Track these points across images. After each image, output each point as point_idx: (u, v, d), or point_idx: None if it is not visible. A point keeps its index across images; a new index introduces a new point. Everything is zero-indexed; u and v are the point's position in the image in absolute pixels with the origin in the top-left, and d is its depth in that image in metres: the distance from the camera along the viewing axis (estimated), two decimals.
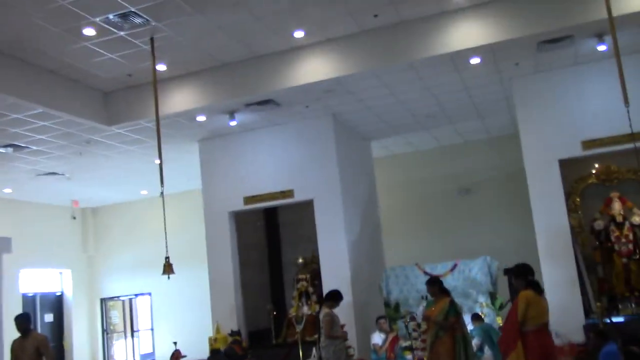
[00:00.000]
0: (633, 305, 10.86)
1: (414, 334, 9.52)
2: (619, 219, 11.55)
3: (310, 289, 12.84)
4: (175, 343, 12.53)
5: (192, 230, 15.04)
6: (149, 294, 18.61)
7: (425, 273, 11.42)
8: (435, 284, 7.99)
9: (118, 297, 19.07)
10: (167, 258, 9.08)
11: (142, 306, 19.64)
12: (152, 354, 18.81)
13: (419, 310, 10.84)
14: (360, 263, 12.43)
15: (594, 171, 11.82)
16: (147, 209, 18.25)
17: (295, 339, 12.09)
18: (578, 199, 11.87)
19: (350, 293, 11.51)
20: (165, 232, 9.31)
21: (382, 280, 11.71)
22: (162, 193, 9.32)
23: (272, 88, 10.63)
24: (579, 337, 10.08)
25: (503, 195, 14.85)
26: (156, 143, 12.61)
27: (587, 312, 10.64)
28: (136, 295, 18.94)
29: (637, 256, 11.35)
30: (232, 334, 11.83)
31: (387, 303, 11.55)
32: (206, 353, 12.98)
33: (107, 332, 18.86)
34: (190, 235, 15.27)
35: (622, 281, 11.32)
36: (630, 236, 11.42)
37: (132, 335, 19.31)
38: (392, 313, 11.19)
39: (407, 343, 10.47)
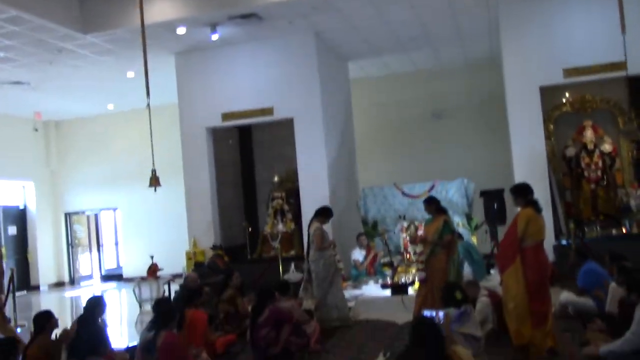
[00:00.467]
0: (598, 229, 11.37)
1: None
2: (590, 146, 11.93)
3: (286, 207, 13.02)
4: (152, 257, 12.55)
5: (165, 145, 14.75)
6: (115, 208, 18.43)
7: (404, 193, 11.64)
8: (432, 203, 8.13)
9: (83, 211, 18.83)
10: (153, 170, 8.92)
11: (108, 221, 19.51)
12: (119, 268, 18.84)
13: (397, 229, 11.15)
14: (338, 182, 12.55)
15: (564, 100, 12.08)
16: (114, 123, 17.91)
17: (272, 255, 12.37)
18: (552, 127, 12.17)
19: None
20: (152, 144, 9.10)
21: (361, 199, 11.88)
22: (148, 105, 9.06)
23: (258, 1, 10.36)
24: (549, 256, 10.48)
25: (478, 120, 15.05)
26: (130, 54, 12.41)
27: (557, 233, 11.09)
28: (102, 209, 18.75)
29: (605, 182, 11.84)
30: (214, 247, 11.92)
31: (365, 221, 11.76)
32: (181, 266, 13.11)
33: (72, 246, 18.70)
34: (163, 150, 14.96)
35: (589, 206, 11.83)
36: (600, 163, 11.85)
37: (98, 250, 19.24)
38: (370, 231, 11.43)
39: (387, 259, 10.80)
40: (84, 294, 16.11)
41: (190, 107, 12.79)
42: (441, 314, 4.96)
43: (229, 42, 12.23)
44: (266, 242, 12.91)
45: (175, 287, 12.69)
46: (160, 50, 12.53)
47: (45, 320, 6.09)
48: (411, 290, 9.15)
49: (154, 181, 9.75)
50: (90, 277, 18.85)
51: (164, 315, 5.93)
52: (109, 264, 19.48)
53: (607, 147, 11.91)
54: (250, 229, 13.22)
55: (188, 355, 5.94)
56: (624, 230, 11.04)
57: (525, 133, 11.08)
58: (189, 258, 12.21)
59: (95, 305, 6.25)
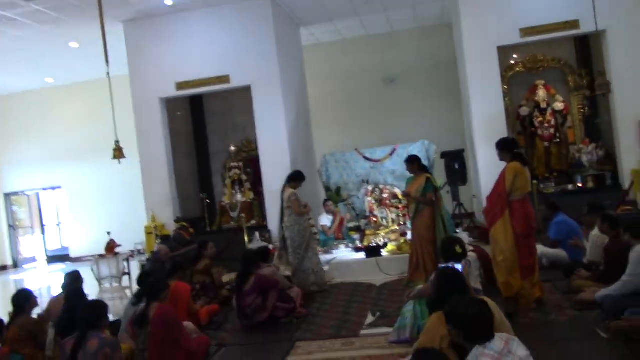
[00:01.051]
0: (553, 184, 11.70)
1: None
2: (543, 105, 12.20)
3: (244, 177, 12.85)
4: (109, 233, 12.15)
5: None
6: (58, 187, 17.71)
7: (365, 158, 11.63)
8: (414, 162, 8.13)
9: (23, 191, 18.01)
10: (117, 142, 8.56)
11: (51, 200, 18.76)
12: (64, 249, 18.20)
13: (361, 193, 11.15)
14: (297, 150, 12.39)
15: (512, 62, 12.27)
16: (54, 98, 17.11)
17: (232, 226, 12.18)
18: (506, 87, 12.36)
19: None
20: (114, 115, 8.75)
21: (322, 166, 11.80)
22: (108, 73, 8.66)
23: None
24: None
25: (432, 83, 15.12)
26: (76, 22, 11.79)
27: None
28: (43, 189, 17.98)
29: (558, 140, 12.16)
30: (178, 220, 11.61)
31: (328, 187, 11.71)
32: (140, 242, 12.78)
33: (12, 228, 17.89)
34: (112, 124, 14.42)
35: (543, 163, 12.13)
36: (552, 121, 12.15)
37: (42, 231, 18.49)
38: (333, 197, 11.38)
39: (354, 224, 10.80)
40: (28, 277, 15.53)
41: (143, 77, 12.30)
42: (458, 265, 4.96)
43: (182, 8, 11.80)
44: (225, 213, 12.68)
45: (135, 263, 12.44)
46: (107, 18, 11.92)
47: (24, 299, 5.77)
48: (385, 252, 9.18)
49: (118, 153, 9.43)
50: (33, 259, 18.13)
51: (155, 287, 5.71)
52: (53, 245, 18.80)
53: (559, 105, 12.20)
54: (208, 201, 12.97)
55: (182, 327, 5.75)
56: (579, 185, 11.39)
57: (485, 93, 11.18)
58: (148, 232, 11.85)
59: (78, 279, 5.96)
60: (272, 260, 7.91)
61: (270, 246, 8.92)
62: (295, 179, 8.50)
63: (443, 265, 4.89)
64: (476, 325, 3.13)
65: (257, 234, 11.34)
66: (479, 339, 3.13)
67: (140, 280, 6.29)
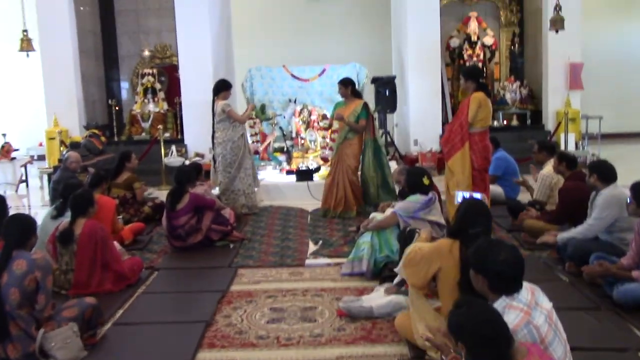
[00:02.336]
0: None
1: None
2: (474, 38, 12.03)
3: (158, 85, 12.01)
4: (4, 135, 10.86)
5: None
6: None
7: (293, 76, 10.99)
8: (348, 85, 7.55)
9: None
10: (25, 32, 7.38)
11: None
12: None
13: (288, 113, 10.54)
14: (219, 62, 11.51)
15: None
16: None
17: (143, 137, 11.40)
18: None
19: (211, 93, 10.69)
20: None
21: (246, 80, 11.00)
22: None
23: None
24: (435, 144, 10.62)
25: (361, 5, 14.47)
26: None
27: (444, 122, 11.20)
28: None
29: (484, 74, 12.06)
30: (89, 126, 10.52)
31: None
32: (41, 147, 11.63)
33: None
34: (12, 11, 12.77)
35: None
36: (481, 55, 12.03)
37: None
38: (258, 114, 10.66)
39: (279, 144, 10.26)
40: None
41: None
42: (477, 194, 4.59)
43: None
44: (135, 123, 11.80)
45: (34, 170, 11.32)
46: None
47: None
48: (317, 177, 8.75)
49: (26, 44, 8.24)
50: None
51: (81, 200, 4.96)
52: None
53: (489, 39, 12.08)
54: (116, 108, 11.94)
55: (113, 247, 5.07)
56: (504, 123, 11.41)
57: (421, 20, 10.75)
58: (50, 137, 10.69)
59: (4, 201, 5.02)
60: (203, 177, 7.25)
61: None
62: (224, 87, 7.78)
63: (466, 195, 4.51)
64: (508, 274, 2.73)
65: (173, 147, 10.60)
66: (507, 289, 2.75)
67: (62, 191, 5.46)
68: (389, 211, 5.61)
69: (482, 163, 5.98)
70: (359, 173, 7.63)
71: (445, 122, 11.21)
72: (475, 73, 6.06)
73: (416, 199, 5.03)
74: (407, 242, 4.29)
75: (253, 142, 9.55)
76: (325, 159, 7.55)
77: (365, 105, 7.46)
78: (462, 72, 6.21)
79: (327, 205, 7.56)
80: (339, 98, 10.86)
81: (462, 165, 5.93)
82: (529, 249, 5.71)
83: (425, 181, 5.00)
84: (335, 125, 7.57)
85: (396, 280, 4.35)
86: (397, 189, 7.57)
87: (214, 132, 7.78)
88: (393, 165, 9.08)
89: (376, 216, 5.62)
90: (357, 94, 7.68)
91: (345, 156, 7.46)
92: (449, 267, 3.39)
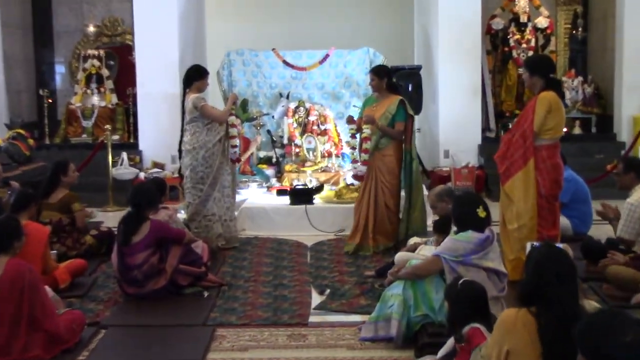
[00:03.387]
0: None
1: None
2: (523, 19, 11.90)
3: (105, 72, 11.98)
4: None
5: None
6: None
7: (286, 63, 10.80)
8: (384, 75, 7.31)
9: None
10: None
11: None
12: None
13: (278, 112, 10.37)
14: (189, 41, 11.38)
15: None
16: None
17: (85, 140, 11.39)
18: None
19: (178, 81, 10.46)
20: None
21: (223, 67, 10.75)
22: None
23: None
24: (472, 157, 10.40)
25: None
26: None
27: (485, 129, 11.01)
28: None
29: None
30: (12, 125, 10.24)
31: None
32: None
33: None
34: None
35: (513, 97, 11.90)
36: (532, 42, 11.86)
37: None
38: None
39: (265, 154, 10.19)
40: None
41: None
42: (559, 245, 4.29)
43: None
44: (74, 121, 11.72)
45: None
46: None
47: None
48: (318, 199, 8.57)
49: None
50: None
51: (4, 231, 4.63)
52: None
53: (542, 21, 11.97)
54: (49, 100, 11.82)
55: (46, 296, 4.73)
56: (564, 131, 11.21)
57: None
58: None
59: None
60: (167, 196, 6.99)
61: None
62: (198, 77, 7.52)
63: (535, 243, 4.23)
64: None
65: (124, 155, 10.39)
66: None
67: None
68: (425, 251, 5.34)
69: (552, 188, 5.80)
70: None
71: (485, 127, 11.03)
72: (543, 65, 5.92)
73: (468, 238, 4.72)
74: (460, 299, 3.96)
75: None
76: (359, 177, 7.33)
77: (402, 102, 7.29)
78: (526, 64, 6.02)
79: (353, 238, 7.40)
80: (345, 94, 10.86)
81: (524, 189, 5.75)
82: (617, 306, 5.41)
83: (481, 213, 4.72)
84: (367, 131, 7.35)
85: (442, 351, 4.06)
86: (428, 217, 7.38)
87: (182, 135, 7.48)
88: None
89: (404, 258, 5.44)
90: (394, 89, 7.53)
91: (378, 171, 7.31)
92: (522, 347, 3.14)
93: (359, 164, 7.50)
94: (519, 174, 5.73)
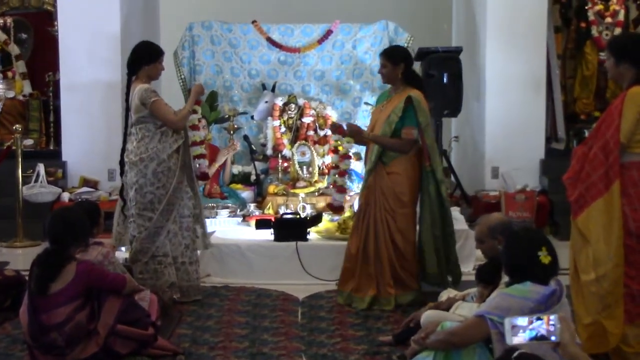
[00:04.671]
0: None
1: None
2: None
3: (15, 49, 12.31)
4: None
5: None
6: None
7: (271, 41, 11.03)
8: (400, 61, 7.43)
9: None
10: None
11: None
12: None
13: (259, 110, 10.55)
14: (134, 11, 11.88)
15: None
16: None
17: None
18: None
19: (120, 65, 10.65)
20: None
21: (183, 47, 11.02)
22: None
23: None
24: (532, 178, 10.48)
25: None
26: None
27: (550, 137, 11.13)
28: None
29: None
30: None
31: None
32: None
33: None
34: None
35: (592, 92, 11.98)
36: (621, 14, 11.95)
37: None
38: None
39: (241, 169, 10.47)
40: None
41: None
42: (553, 317, 4.33)
43: None
44: None
45: None
46: None
47: None
48: (315, 234, 8.74)
49: None
50: None
51: None
52: None
53: None
54: None
55: None
56: None
57: None
58: None
59: None
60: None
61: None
62: (148, 59, 7.64)
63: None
64: None
65: (40, 167, 10.57)
66: None
67: None
68: (464, 309, 5.38)
69: None
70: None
71: (551, 136, 11.13)
72: (636, 48, 5.90)
73: (525, 292, 4.79)
74: None
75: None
76: (335, 208, 7.57)
77: (409, 100, 7.35)
78: (610, 47, 6.06)
79: (343, 285, 7.71)
80: (355, 86, 11.06)
81: (605, 225, 5.75)
82: None
83: (544, 258, 4.78)
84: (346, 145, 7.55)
85: None
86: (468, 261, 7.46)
87: (125, 141, 7.58)
88: (457, 216, 8.99)
89: (434, 318, 5.55)
90: (415, 81, 7.65)
91: (380, 195, 7.42)
92: None
93: (332, 188, 7.66)
94: (598, 203, 5.76)
